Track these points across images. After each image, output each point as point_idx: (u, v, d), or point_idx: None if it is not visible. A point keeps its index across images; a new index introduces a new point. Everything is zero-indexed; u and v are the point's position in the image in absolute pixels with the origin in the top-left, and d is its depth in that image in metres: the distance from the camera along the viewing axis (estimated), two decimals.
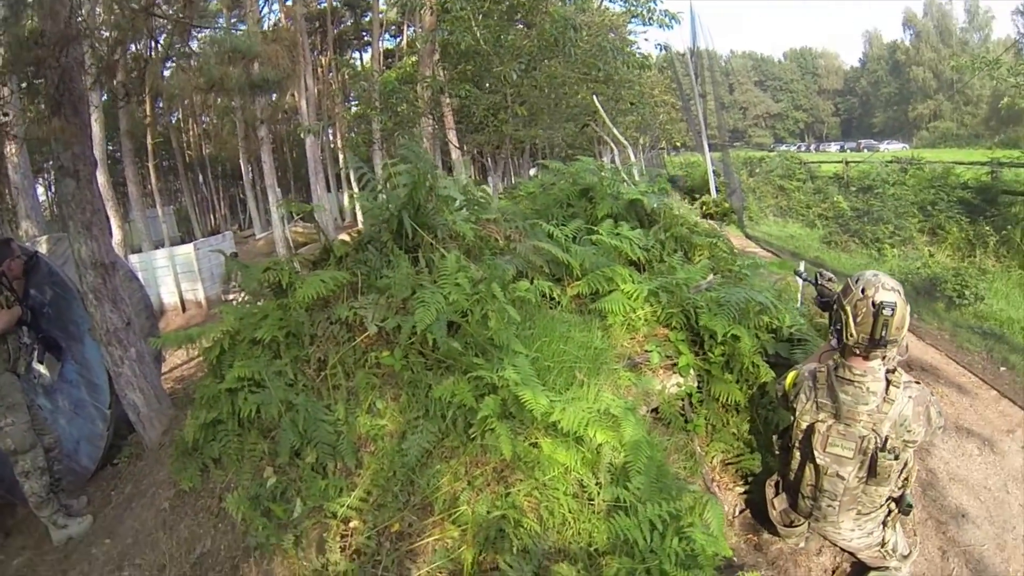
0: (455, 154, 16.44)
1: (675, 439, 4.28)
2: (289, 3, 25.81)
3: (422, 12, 15.42)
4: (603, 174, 7.68)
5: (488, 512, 3.16)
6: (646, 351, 4.66)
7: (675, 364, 4.60)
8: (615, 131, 13.25)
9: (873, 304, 2.95)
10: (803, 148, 60.65)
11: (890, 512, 3.31)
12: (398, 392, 3.87)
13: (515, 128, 12.95)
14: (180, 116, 38.49)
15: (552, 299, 4.99)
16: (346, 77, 38.51)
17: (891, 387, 3.03)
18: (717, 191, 19.32)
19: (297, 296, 4.15)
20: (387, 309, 4.12)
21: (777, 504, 3.56)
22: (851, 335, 3.03)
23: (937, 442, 4.34)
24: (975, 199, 12.70)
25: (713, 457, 4.38)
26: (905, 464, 3.14)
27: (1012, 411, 5.86)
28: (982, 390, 6.29)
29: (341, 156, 34.07)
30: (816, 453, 3.18)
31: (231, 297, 5.62)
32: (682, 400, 4.54)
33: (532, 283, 4.70)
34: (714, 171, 20.07)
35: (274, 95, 21.91)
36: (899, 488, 3.24)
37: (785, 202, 17.84)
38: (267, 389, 3.84)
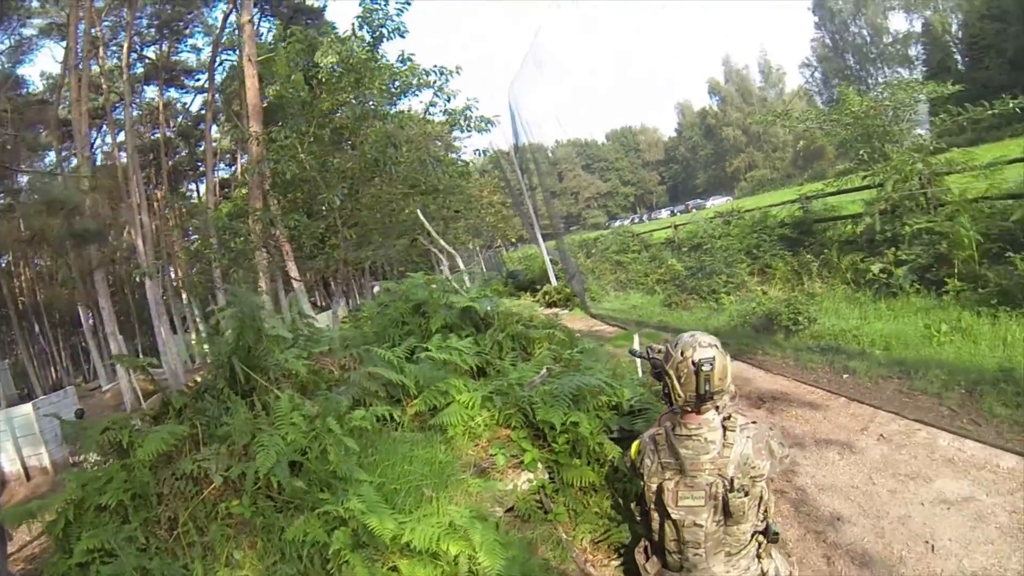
0: (296, 284, 16.35)
1: (539, 531, 4.36)
2: (121, 137, 25.47)
3: (250, 142, 15.57)
4: (433, 287, 7.90)
5: None
6: (491, 455, 4.77)
7: (522, 462, 4.72)
8: (441, 241, 13.58)
9: (693, 363, 3.17)
10: (636, 220, 63.53)
11: (760, 545, 3.46)
12: (253, 539, 3.83)
13: (346, 251, 13.08)
14: (10, 259, 35.80)
15: (393, 421, 5.05)
16: (182, 211, 37.25)
17: (727, 432, 3.25)
18: (557, 278, 20.02)
19: (139, 455, 4.07)
20: (230, 458, 4.12)
21: (650, 568, 3.63)
22: (679, 396, 3.24)
23: (798, 462, 4.55)
24: (793, 234, 13.78)
25: (582, 539, 4.48)
26: (761, 499, 3.34)
27: (861, 410, 6.43)
28: (831, 400, 6.86)
29: (184, 295, 33.03)
30: (670, 510, 3.31)
31: (81, 459, 5.32)
32: (537, 493, 4.64)
33: (367, 410, 4.79)
34: (551, 259, 20.81)
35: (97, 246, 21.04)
36: (761, 521, 3.41)
37: (624, 275, 18.57)
38: (119, 558, 3.67)
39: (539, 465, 4.72)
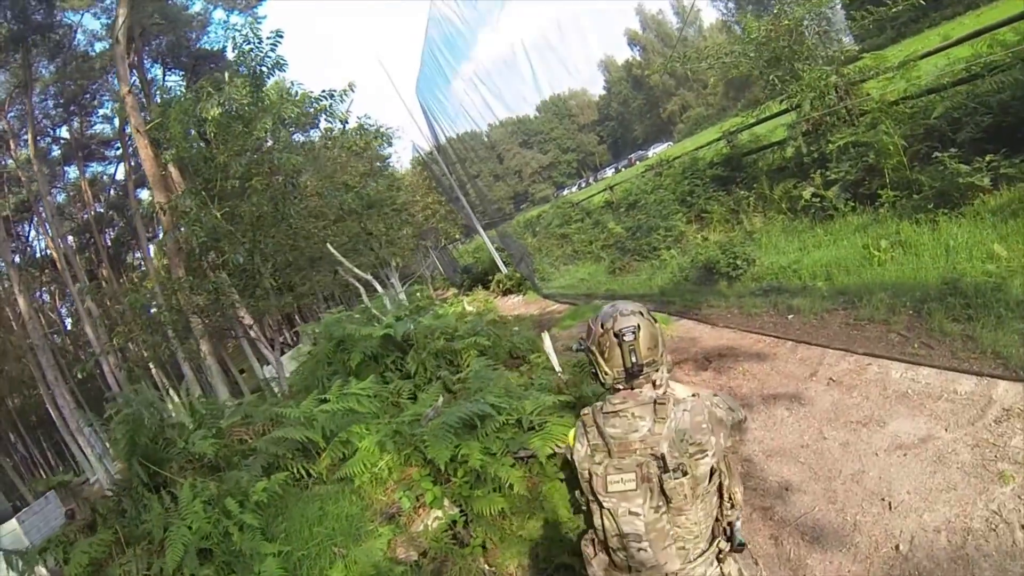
0: (253, 333, 15.99)
1: (461, 566, 4.12)
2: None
3: (157, 214, 15.26)
4: (351, 322, 7.83)
5: None
6: (397, 500, 4.46)
7: (427, 501, 4.36)
8: (355, 270, 13.31)
9: (615, 335, 2.86)
10: (583, 183, 63.62)
11: (720, 551, 3.03)
12: None
13: (269, 301, 12.67)
14: None
15: (309, 476, 5.03)
16: (126, 288, 36.48)
17: (658, 406, 2.85)
18: (506, 265, 19.75)
19: (71, 572, 4.17)
20: (149, 556, 4.17)
21: (596, 564, 3.18)
22: (606, 373, 2.91)
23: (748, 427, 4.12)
24: (724, 172, 13.46)
25: (509, 565, 4.19)
26: (721, 485, 2.96)
27: (809, 352, 6.07)
28: (778, 347, 6.51)
29: (152, 368, 32.58)
30: (600, 497, 2.93)
31: None
32: (450, 529, 4.41)
33: (270, 480, 4.64)
34: (497, 247, 20.43)
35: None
36: (726, 515, 3.02)
37: (569, 248, 18.26)
38: None
39: (445, 501, 4.45)
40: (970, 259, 6.31)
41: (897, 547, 3.29)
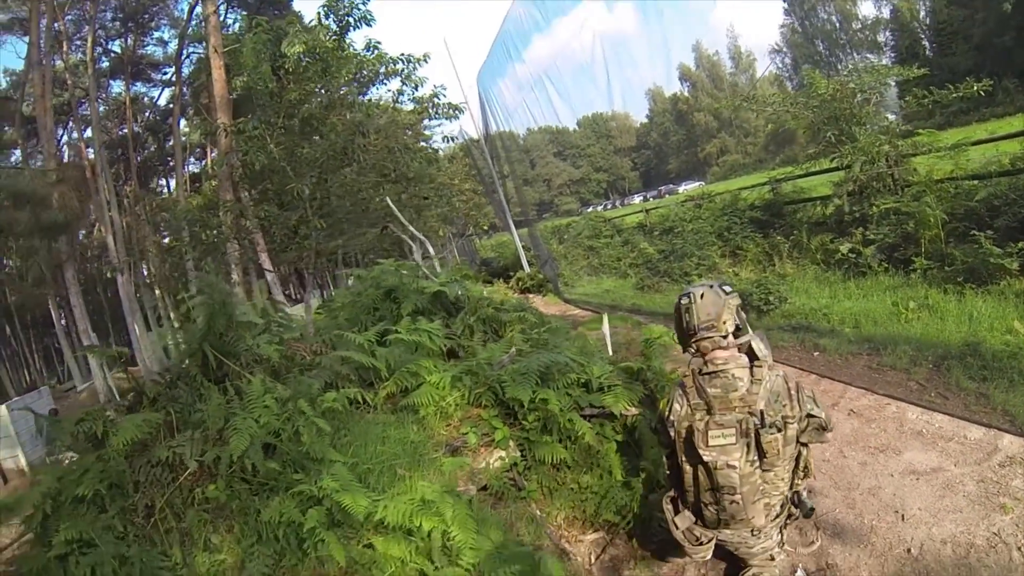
0: (269, 276, 16.20)
1: (513, 509, 4.36)
2: (88, 133, 24.86)
3: (218, 134, 15.40)
4: (404, 273, 7.90)
5: None
6: (463, 434, 4.79)
7: (493, 440, 4.74)
8: (411, 228, 13.54)
9: (679, 302, 3.44)
10: (609, 206, 63.67)
11: (790, 515, 3.50)
12: (230, 523, 3.82)
13: (318, 242, 12.98)
14: None
15: (366, 403, 5.06)
16: (153, 206, 36.43)
17: (755, 368, 3.31)
18: (529, 265, 20.08)
19: (115, 444, 4.04)
20: (204, 443, 4.10)
21: (680, 523, 3.57)
22: (677, 338, 3.52)
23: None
24: (763, 216, 13.87)
25: (556, 515, 4.50)
26: (796, 445, 3.36)
27: (832, 387, 6.48)
28: (803, 377, 6.86)
29: (158, 291, 32.51)
30: (701, 452, 3.29)
31: (59, 457, 5.28)
32: (509, 471, 4.66)
33: (339, 392, 4.79)
34: (524, 246, 20.80)
35: (62, 240, 20.56)
36: (801, 478, 3.46)
37: (596, 260, 18.61)
38: (98, 547, 3.61)
39: (510, 443, 4.73)
40: (991, 330, 6.72)
41: (909, 550, 3.69)
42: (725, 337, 3.42)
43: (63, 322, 30.44)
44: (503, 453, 4.67)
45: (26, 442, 16.23)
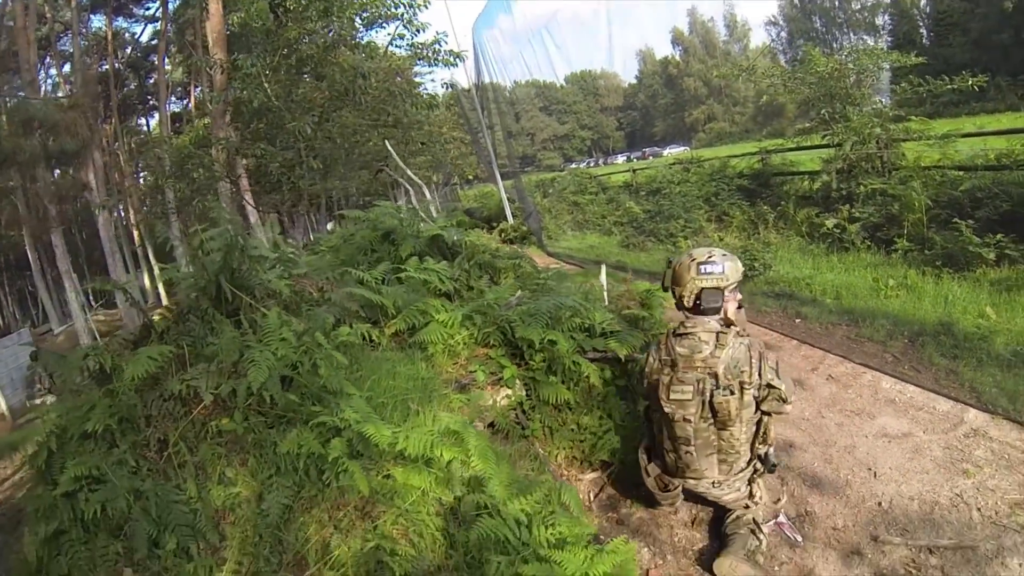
0: (252, 216, 16.08)
1: (517, 446, 4.59)
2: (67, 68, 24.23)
3: (212, 71, 15.14)
4: (402, 215, 7.98)
5: (361, 548, 3.27)
6: (471, 372, 4.95)
7: (500, 378, 4.93)
8: (408, 172, 13.52)
9: (698, 264, 3.68)
10: (592, 163, 63.34)
11: (756, 471, 3.79)
12: (245, 456, 3.83)
13: (311, 182, 12.96)
14: None
15: (372, 341, 5.11)
16: (133, 146, 35.63)
17: (720, 334, 3.59)
18: (513, 216, 20.08)
19: (125, 378, 3.93)
20: (219, 376, 4.05)
21: (651, 471, 3.93)
22: (680, 296, 3.78)
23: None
24: (751, 185, 14.18)
25: (557, 455, 4.76)
26: (758, 412, 3.64)
27: (812, 352, 6.84)
28: (785, 342, 7.27)
29: (136, 232, 31.98)
30: (663, 403, 3.62)
31: (39, 402, 5.22)
32: (515, 410, 4.87)
33: (351, 327, 4.85)
34: (508, 198, 20.81)
35: (71, 169, 20.05)
36: (760, 443, 3.74)
37: (581, 216, 18.78)
38: (110, 483, 3.57)
39: (517, 382, 4.92)
40: (964, 313, 7.10)
41: (879, 503, 4.00)
42: (735, 307, 3.83)
43: (39, 263, 29.19)
44: (510, 392, 4.87)
45: (6, 386, 15.98)
